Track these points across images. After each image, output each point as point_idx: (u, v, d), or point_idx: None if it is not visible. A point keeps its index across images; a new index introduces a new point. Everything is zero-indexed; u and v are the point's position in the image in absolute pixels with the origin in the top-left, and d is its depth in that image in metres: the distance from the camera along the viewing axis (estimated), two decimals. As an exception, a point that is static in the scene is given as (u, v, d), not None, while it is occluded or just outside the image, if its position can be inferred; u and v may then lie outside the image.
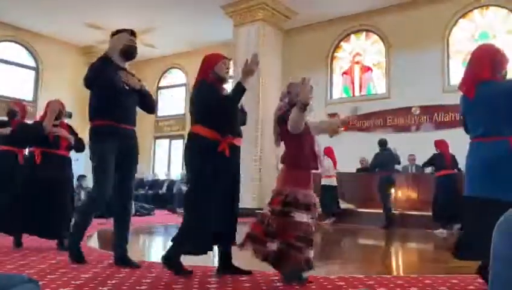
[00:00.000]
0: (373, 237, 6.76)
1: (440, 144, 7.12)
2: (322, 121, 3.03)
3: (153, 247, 5.45)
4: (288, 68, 11.03)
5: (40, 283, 2.09)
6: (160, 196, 12.55)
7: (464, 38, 9.90)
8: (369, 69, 11.09)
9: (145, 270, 3.07)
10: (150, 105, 3.50)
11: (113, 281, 2.65)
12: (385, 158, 8.01)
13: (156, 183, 13.24)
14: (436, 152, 7.14)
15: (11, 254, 3.73)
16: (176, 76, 14.83)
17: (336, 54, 11.43)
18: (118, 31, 3.37)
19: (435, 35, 9.90)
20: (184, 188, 11.80)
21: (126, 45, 3.31)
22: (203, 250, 2.91)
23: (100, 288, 2.45)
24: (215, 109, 2.93)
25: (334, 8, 10.63)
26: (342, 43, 11.41)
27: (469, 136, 2.58)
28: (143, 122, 14.85)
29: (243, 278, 2.84)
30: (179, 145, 13.97)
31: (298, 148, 2.79)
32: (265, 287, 2.62)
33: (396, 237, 6.68)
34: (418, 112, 9.75)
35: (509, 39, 9.45)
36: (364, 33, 11.20)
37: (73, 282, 2.60)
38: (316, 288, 2.57)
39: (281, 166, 2.92)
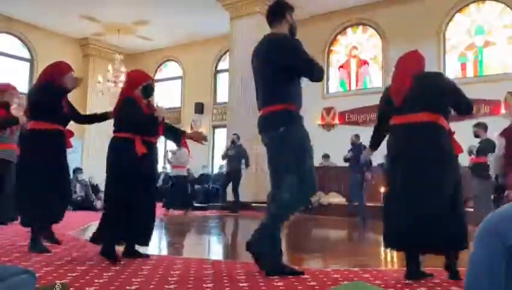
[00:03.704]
0: (362, 229, 6.80)
1: None
2: None
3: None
4: (284, 62, 10.99)
5: (37, 274, 2.09)
6: (155, 189, 12.55)
7: (460, 33, 9.92)
8: (365, 62, 11.10)
9: (140, 263, 3.08)
10: None
11: (110, 274, 2.66)
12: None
13: (151, 177, 13.22)
14: None
15: (4, 246, 3.72)
16: (172, 69, 14.77)
17: (332, 48, 11.43)
18: (283, 7, 2.89)
19: (431, 30, 9.91)
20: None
21: (293, 23, 2.90)
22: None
23: (96, 280, 2.46)
24: None
25: (330, 2, 10.61)
26: (338, 37, 11.41)
27: None
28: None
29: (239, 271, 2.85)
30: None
31: None
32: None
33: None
34: (413, 106, 9.78)
35: (505, 34, 9.47)
36: (360, 27, 11.19)
37: (69, 274, 2.61)
38: (311, 281, 2.59)
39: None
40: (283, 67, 2.72)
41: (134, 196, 3.18)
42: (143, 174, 3.24)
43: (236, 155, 9.14)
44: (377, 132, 3.05)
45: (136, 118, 3.22)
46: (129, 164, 3.17)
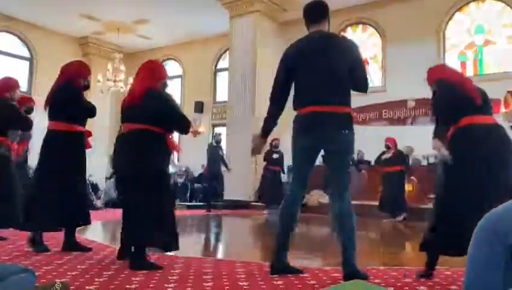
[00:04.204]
0: (361, 228, 6.80)
1: (389, 141, 7.66)
2: None
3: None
4: (284, 60, 10.99)
5: (36, 273, 2.10)
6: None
7: (460, 32, 9.91)
8: (365, 61, 11.10)
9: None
10: None
11: (109, 273, 2.66)
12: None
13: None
14: (385, 149, 7.72)
15: (4, 246, 3.72)
16: (171, 67, 14.76)
17: (332, 47, 11.43)
18: (326, 8, 2.86)
19: (431, 29, 9.91)
20: (180, 180, 11.81)
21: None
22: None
23: (96, 279, 2.46)
24: None
25: (330, 1, 10.52)
26: (338, 36, 11.41)
27: None
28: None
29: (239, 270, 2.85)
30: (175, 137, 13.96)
31: None
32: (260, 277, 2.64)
33: (389, 229, 6.72)
34: (413, 105, 9.78)
35: (505, 33, 9.46)
36: (360, 26, 11.18)
37: (69, 273, 2.61)
38: (311, 279, 2.59)
39: None
40: (351, 70, 2.64)
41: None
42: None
43: (218, 156, 9.17)
44: (444, 127, 2.83)
45: (170, 112, 3.00)
46: (165, 161, 3.04)
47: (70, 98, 3.46)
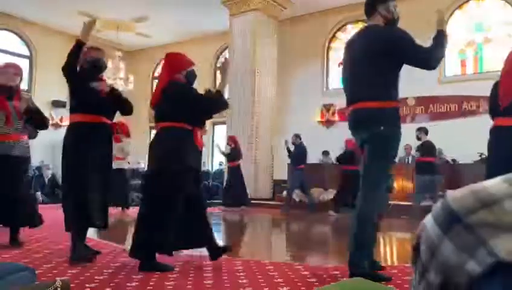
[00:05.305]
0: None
1: (348, 143, 7.80)
2: None
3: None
4: (283, 58, 11.00)
5: (37, 271, 2.10)
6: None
7: (460, 30, 9.91)
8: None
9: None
10: None
11: (109, 271, 2.66)
12: None
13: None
14: (346, 149, 7.96)
15: (5, 244, 3.72)
16: (171, 66, 14.75)
17: (331, 45, 11.42)
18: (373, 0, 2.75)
19: (430, 27, 9.86)
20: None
21: (389, 14, 2.82)
22: None
23: (96, 277, 2.46)
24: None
25: (330, -1, 10.59)
26: (339, 33, 11.39)
27: None
28: (139, 111, 14.76)
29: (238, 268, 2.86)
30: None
31: None
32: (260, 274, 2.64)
33: (391, 227, 6.72)
34: (413, 103, 9.77)
35: (505, 31, 9.46)
36: (360, 24, 11.17)
37: (69, 271, 2.61)
38: (311, 277, 2.59)
39: None
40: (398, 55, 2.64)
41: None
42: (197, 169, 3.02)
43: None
44: None
45: (186, 104, 2.82)
46: (195, 159, 2.91)
47: (72, 83, 3.12)
